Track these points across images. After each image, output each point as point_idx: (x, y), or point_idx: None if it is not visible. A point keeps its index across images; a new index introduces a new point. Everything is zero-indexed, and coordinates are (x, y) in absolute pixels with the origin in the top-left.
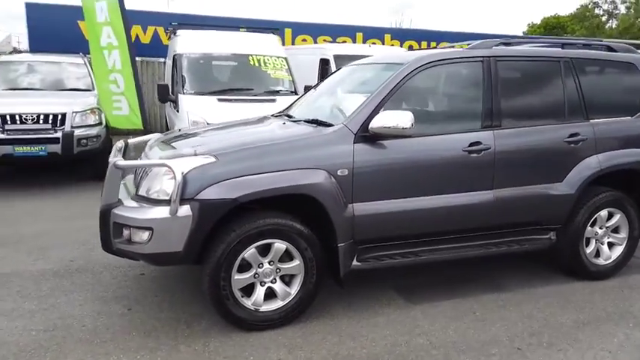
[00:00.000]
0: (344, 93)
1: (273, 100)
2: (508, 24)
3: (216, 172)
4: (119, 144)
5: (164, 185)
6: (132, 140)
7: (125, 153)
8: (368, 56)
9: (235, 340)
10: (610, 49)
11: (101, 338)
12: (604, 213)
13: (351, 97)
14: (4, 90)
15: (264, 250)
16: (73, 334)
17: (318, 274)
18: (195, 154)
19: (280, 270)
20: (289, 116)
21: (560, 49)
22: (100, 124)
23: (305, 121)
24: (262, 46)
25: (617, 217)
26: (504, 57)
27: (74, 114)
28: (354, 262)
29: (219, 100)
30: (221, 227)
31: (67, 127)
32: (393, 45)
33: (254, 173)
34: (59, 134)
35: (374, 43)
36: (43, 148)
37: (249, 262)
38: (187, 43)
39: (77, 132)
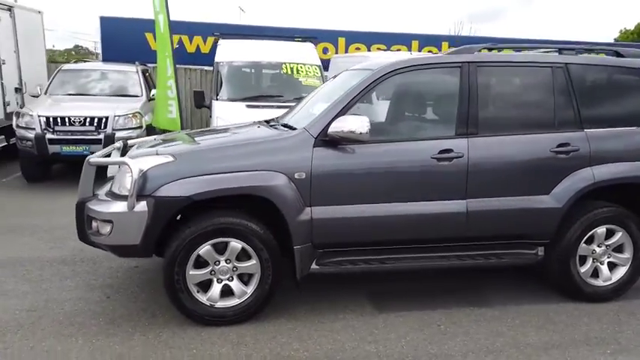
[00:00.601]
0: (324, 99)
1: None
2: (598, 30)
3: (173, 170)
4: (118, 144)
5: (125, 182)
6: (132, 141)
7: (124, 153)
8: None
9: (188, 333)
10: (618, 54)
11: (71, 321)
12: (601, 230)
13: (323, 103)
14: (64, 95)
15: (222, 249)
16: (50, 315)
17: (275, 275)
18: (157, 154)
19: (237, 269)
20: (276, 121)
21: (556, 54)
22: (140, 127)
23: (282, 125)
24: (297, 54)
25: (618, 236)
26: (486, 62)
27: (116, 117)
28: (313, 266)
29: (248, 106)
30: (180, 224)
31: (109, 130)
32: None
33: (210, 173)
34: (101, 136)
35: (430, 52)
36: (87, 148)
37: (205, 259)
38: (225, 52)
39: (118, 134)
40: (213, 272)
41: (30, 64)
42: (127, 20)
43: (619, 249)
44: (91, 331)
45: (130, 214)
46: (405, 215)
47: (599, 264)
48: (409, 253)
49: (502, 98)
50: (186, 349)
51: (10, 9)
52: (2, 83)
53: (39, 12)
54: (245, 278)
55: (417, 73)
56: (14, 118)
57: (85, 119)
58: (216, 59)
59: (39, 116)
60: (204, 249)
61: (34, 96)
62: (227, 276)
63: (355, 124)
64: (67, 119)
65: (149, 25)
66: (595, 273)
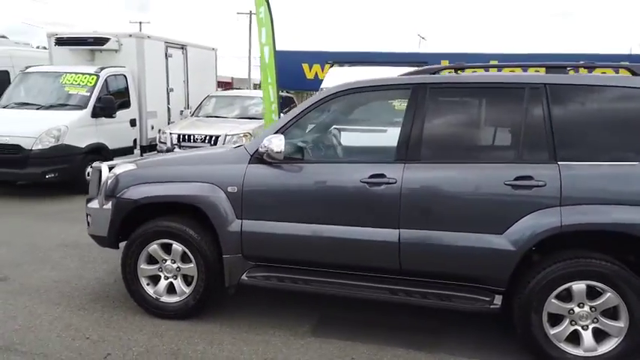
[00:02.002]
0: None
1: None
2: None
3: (133, 177)
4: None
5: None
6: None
7: None
8: None
9: (130, 319)
10: (633, 72)
11: (56, 293)
12: (579, 286)
13: None
14: (203, 117)
15: (169, 249)
16: (47, 286)
17: (208, 279)
18: (128, 162)
19: (180, 269)
20: None
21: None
22: None
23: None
24: None
25: (606, 297)
26: (442, 84)
27: (227, 136)
28: (243, 277)
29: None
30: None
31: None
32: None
33: (157, 181)
34: None
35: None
36: None
37: (154, 257)
38: (331, 79)
39: None
40: (160, 269)
41: (199, 91)
42: (287, 52)
43: (613, 314)
44: (62, 303)
45: (100, 210)
46: (330, 238)
47: (580, 328)
48: (336, 278)
49: (454, 123)
50: (116, 329)
51: (182, 47)
52: (169, 107)
53: (213, 49)
54: (189, 279)
55: (367, 94)
56: (157, 135)
57: (205, 137)
58: (322, 85)
59: (170, 133)
60: (152, 247)
61: (185, 117)
62: (172, 274)
63: (274, 143)
64: (191, 136)
65: (306, 56)
66: (576, 339)
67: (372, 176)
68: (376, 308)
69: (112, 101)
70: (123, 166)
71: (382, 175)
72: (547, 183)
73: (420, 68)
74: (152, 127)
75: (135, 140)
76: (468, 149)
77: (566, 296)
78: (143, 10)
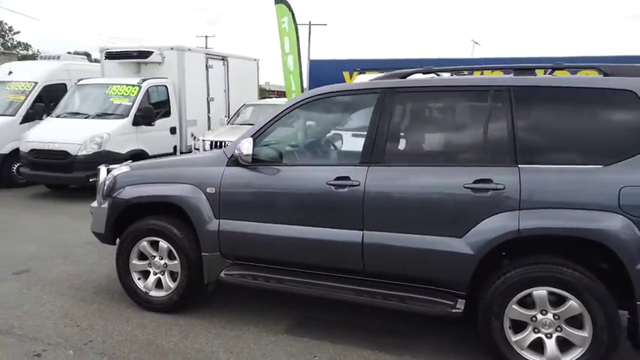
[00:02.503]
0: None
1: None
2: None
3: (127, 179)
4: None
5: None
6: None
7: None
8: None
9: (122, 311)
10: (603, 73)
11: (67, 285)
12: (540, 293)
13: None
14: (238, 124)
15: (158, 247)
16: (61, 279)
17: (190, 276)
18: (124, 164)
19: (167, 265)
20: None
21: (506, 75)
22: None
23: None
24: None
25: (568, 304)
26: (408, 88)
27: None
28: (222, 274)
29: (353, 135)
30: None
31: None
32: None
33: (147, 182)
34: None
35: None
36: None
37: (145, 253)
38: None
39: None
40: (150, 265)
41: (240, 100)
42: (329, 61)
43: (578, 323)
44: (69, 294)
45: (99, 209)
46: (298, 239)
47: (543, 336)
48: (307, 278)
49: (419, 126)
50: (104, 316)
51: (223, 58)
52: (209, 116)
53: (255, 59)
54: (174, 275)
55: (336, 99)
56: (193, 142)
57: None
58: None
59: (204, 140)
60: (142, 244)
61: (222, 125)
62: (160, 270)
63: (244, 146)
64: (224, 143)
65: (346, 64)
66: (540, 346)
67: (337, 178)
68: (354, 310)
69: (151, 110)
70: (119, 168)
71: (347, 178)
72: (506, 186)
73: (390, 72)
74: (192, 135)
75: (175, 147)
76: (431, 152)
77: (530, 303)
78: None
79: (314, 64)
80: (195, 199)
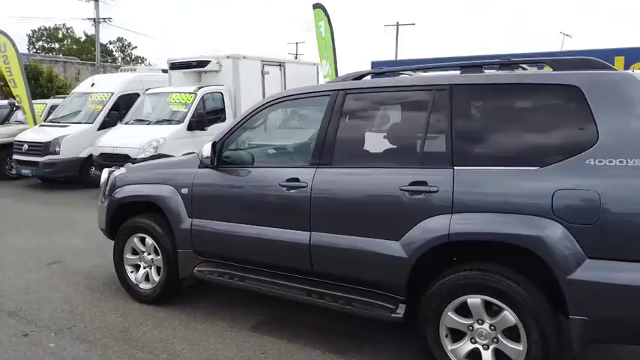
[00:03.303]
0: None
1: None
2: None
3: (122, 180)
4: None
5: None
6: None
7: None
8: None
9: (116, 301)
10: (553, 67)
11: (85, 276)
12: (474, 301)
13: None
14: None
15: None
16: (85, 270)
17: (169, 271)
18: (123, 166)
19: (153, 260)
20: None
21: (451, 73)
22: None
23: None
24: None
25: (502, 315)
26: (357, 90)
27: None
28: (195, 270)
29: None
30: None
31: None
32: None
33: (137, 183)
34: None
35: None
36: None
37: (135, 248)
38: None
39: None
40: (140, 259)
41: None
42: (391, 62)
43: (515, 335)
44: (97, 287)
45: (102, 207)
46: (257, 238)
47: (480, 347)
48: (267, 277)
49: (365, 128)
50: (109, 309)
51: (280, 64)
52: None
53: (314, 64)
54: (159, 270)
55: (293, 102)
56: None
57: None
58: None
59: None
60: (133, 240)
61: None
62: (148, 264)
63: (205, 149)
64: None
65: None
66: (479, 357)
67: (288, 180)
68: (325, 313)
69: (204, 116)
70: (119, 170)
71: (296, 179)
72: (440, 189)
73: (348, 73)
74: None
75: None
76: (374, 154)
77: (467, 311)
78: (309, 30)
79: (375, 65)
80: (172, 199)
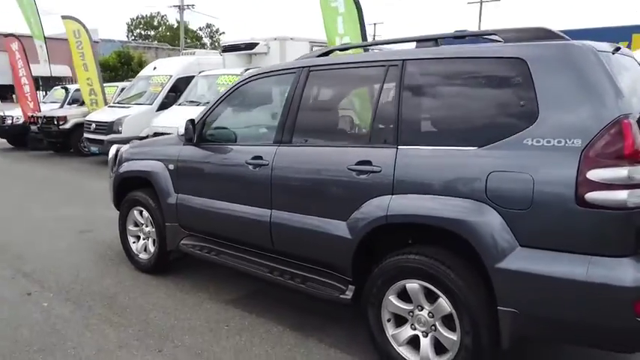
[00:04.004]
0: None
1: None
2: None
3: (126, 156)
4: None
5: None
6: None
7: None
8: None
9: (119, 269)
10: (504, 37)
11: (107, 246)
12: (413, 286)
13: None
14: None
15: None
16: (110, 241)
17: (161, 242)
18: (130, 143)
19: (150, 232)
20: None
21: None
22: None
23: None
24: None
25: (438, 302)
26: (318, 67)
27: None
28: (180, 243)
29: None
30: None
31: None
32: None
33: (136, 159)
34: None
35: None
36: None
37: (135, 221)
38: None
39: None
40: (140, 232)
41: None
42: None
43: (452, 324)
44: (112, 256)
45: (110, 181)
46: (227, 215)
47: (420, 334)
48: (238, 252)
49: (324, 105)
50: (110, 276)
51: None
52: None
53: None
54: (155, 241)
55: (263, 81)
56: None
57: None
58: None
59: None
60: (134, 213)
61: None
62: (146, 236)
63: (181, 126)
64: None
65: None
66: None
67: (253, 157)
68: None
69: None
70: (125, 146)
71: (259, 157)
72: (382, 169)
73: (312, 52)
74: None
75: None
76: (329, 132)
77: (407, 296)
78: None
79: None
80: (161, 175)
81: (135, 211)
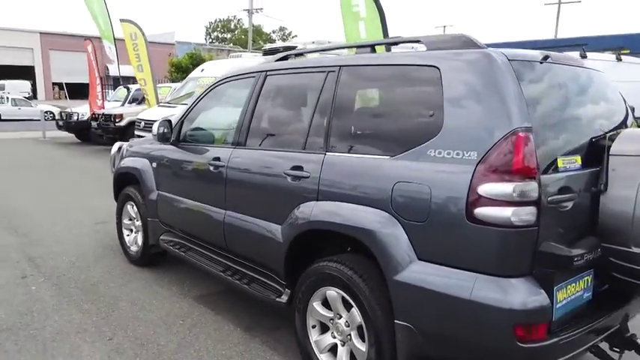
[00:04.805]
0: None
1: None
2: None
3: (124, 153)
4: None
5: None
6: None
7: None
8: None
9: (113, 260)
10: (427, 44)
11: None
12: (331, 294)
13: None
14: None
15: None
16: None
17: (145, 236)
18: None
19: (139, 227)
20: None
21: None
22: None
23: None
24: None
25: (351, 311)
26: (273, 71)
27: None
28: (160, 239)
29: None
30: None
31: None
32: None
33: (129, 156)
34: None
35: None
36: None
37: (130, 216)
38: None
39: None
40: (133, 225)
41: None
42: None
43: (364, 335)
44: (113, 245)
45: (113, 176)
46: (192, 212)
47: (339, 343)
48: (202, 250)
49: (274, 109)
50: (102, 266)
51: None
52: None
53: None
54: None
55: (233, 84)
56: None
57: None
58: None
59: None
60: (127, 207)
61: None
62: (137, 229)
63: (154, 127)
64: None
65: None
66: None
67: (214, 159)
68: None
69: None
70: (125, 144)
71: (218, 159)
72: (310, 175)
73: (276, 55)
74: None
75: None
76: (274, 136)
77: (327, 303)
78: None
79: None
80: (145, 172)
81: (128, 206)
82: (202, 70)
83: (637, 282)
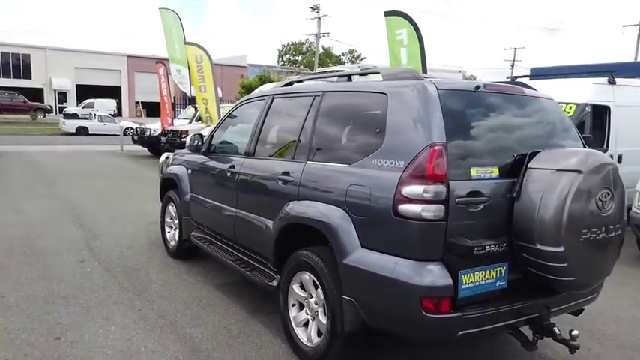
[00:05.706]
0: None
1: None
2: None
3: (169, 162)
4: None
5: None
6: None
7: None
8: None
9: (149, 250)
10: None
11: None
12: (305, 277)
13: None
14: None
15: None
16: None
17: (180, 232)
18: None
19: (176, 225)
20: None
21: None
22: None
23: None
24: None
25: (318, 291)
26: (279, 94)
27: None
28: (191, 234)
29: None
30: None
31: None
32: None
33: (173, 164)
34: None
35: None
36: None
37: (171, 215)
38: None
39: None
40: (172, 223)
41: None
42: (551, 68)
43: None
44: (155, 239)
45: (160, 181)
46: (212, 211)
47: (310, 318)
48: (220, 243)
49: (274, 126)
50: (140, 254)
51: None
52: None
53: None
54: None
55: (249, 105)
56: None
57: None
58: None
59: None
60: (169, 207)
61: None
62: (176, 227)
63: (188, 139)
64: None
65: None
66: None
67: (230, 166)
68: None
69: None
70: (171, 154)
71: (233, 167)
72: (295, 179)
73: (289, 79)
74: None
75: None
76: (274, 148)
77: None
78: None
79: (534, 72)
80: (182, 177)
81: (169, 206)
82: (260, 91)
83: (545, 275)
